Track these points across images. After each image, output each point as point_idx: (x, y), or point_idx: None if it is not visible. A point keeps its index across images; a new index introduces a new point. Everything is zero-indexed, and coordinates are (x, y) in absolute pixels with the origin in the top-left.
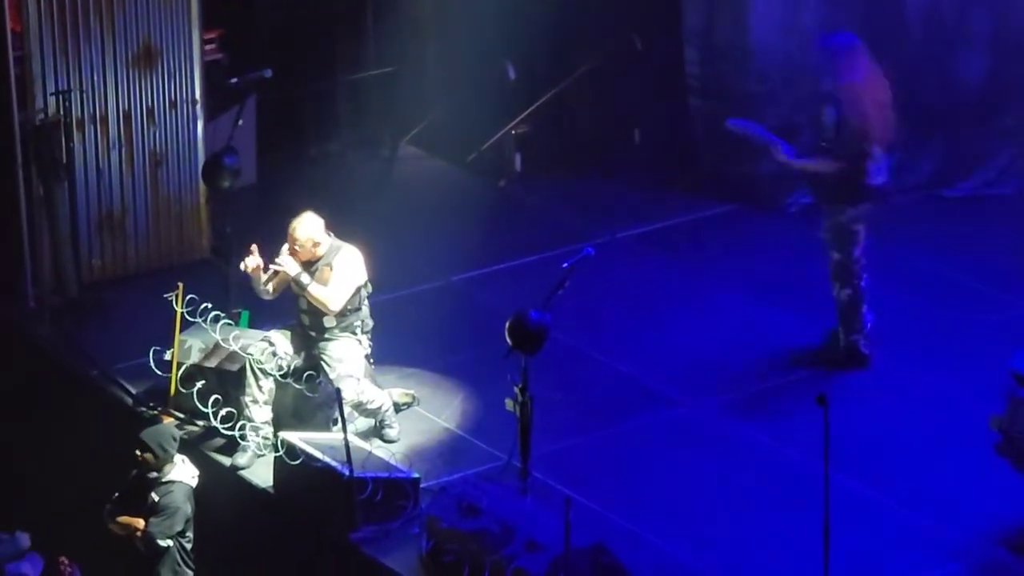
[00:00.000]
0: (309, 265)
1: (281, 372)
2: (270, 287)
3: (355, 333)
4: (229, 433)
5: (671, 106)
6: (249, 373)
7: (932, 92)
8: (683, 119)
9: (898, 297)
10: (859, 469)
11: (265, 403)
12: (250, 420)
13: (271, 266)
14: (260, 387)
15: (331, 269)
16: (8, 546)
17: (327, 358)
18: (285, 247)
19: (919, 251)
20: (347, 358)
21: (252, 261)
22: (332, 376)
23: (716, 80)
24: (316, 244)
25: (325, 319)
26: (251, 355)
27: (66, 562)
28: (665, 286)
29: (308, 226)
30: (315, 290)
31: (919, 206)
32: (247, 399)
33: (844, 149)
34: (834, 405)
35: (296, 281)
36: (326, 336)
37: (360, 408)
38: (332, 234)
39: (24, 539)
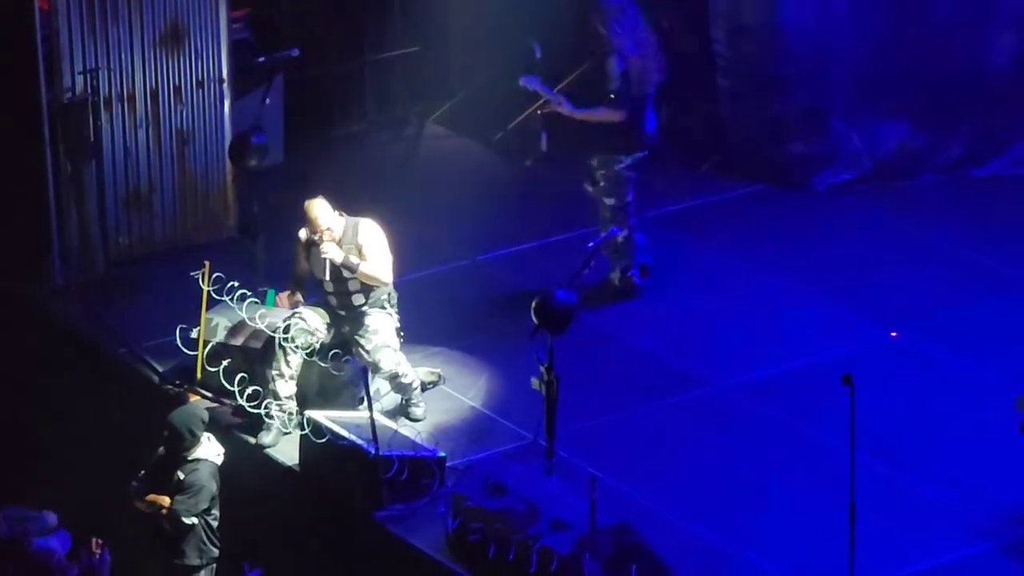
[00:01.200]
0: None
1: (308, 350)
2: (299, 296)
3: (384, 307)
4: (255, 411)
5: (699, 86)
6: (277, 347)
7: (959, 72)
8: (711, 99)
9: (924, 277)
10: (885, 449)
11: (291, 378)
12: (275, 394)
13: (321, 254)
14: (288, 362)
15: (362, 246)
16: (35, 523)
17: (361, 332)
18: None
19: (946, 231)
20: (382, 329)
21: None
22: (369, 348)
23: (744, 60)
24: (330, 228)
25: (354, 297)
26: (280, 329)
27: (99, 542)
28: (692, 266)
29: (324, 209)
30: (366, 268)
31: (946, 186)
32: (273, 372)
33: (628, 97)
34: (860, 385)
35: (345, 266)
36: (357, 314)
37: (395, 380)
38: (343, 213)
39: (51, 517)
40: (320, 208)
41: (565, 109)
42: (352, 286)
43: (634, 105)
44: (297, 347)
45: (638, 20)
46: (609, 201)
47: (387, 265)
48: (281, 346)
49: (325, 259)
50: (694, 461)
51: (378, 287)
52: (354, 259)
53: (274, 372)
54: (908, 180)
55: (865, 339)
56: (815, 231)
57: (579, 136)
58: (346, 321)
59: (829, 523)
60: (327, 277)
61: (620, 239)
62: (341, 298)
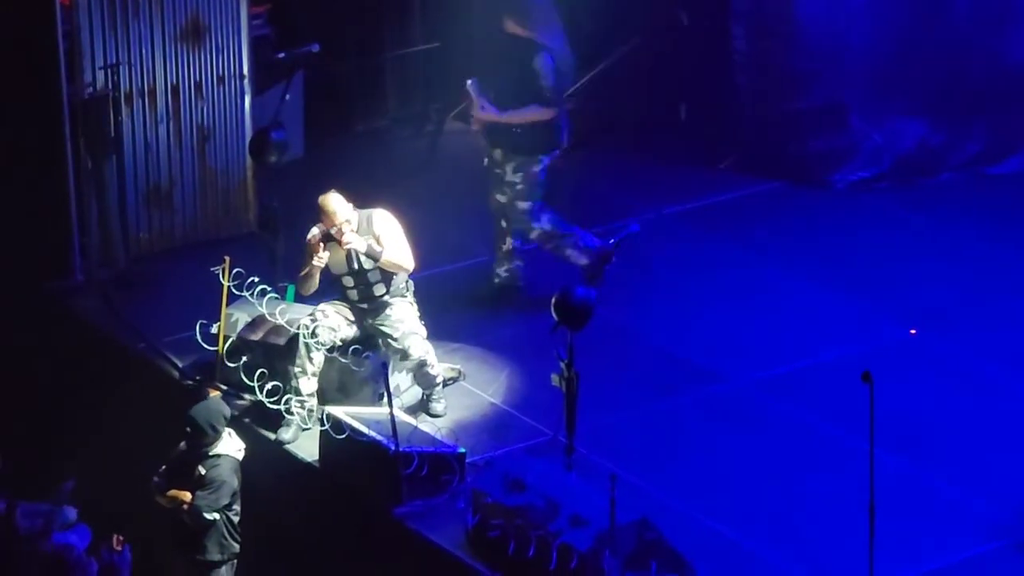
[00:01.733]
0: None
1: (329, 346)
2: (315, 282)
3: (405, 295)
4: (275, 407)
5: (717, 82)
6: (301, 344)
7: (978, 69)
8: (729, 95)
9: (943, 274)
10: (904, 447)
11: (313, 375)
12: (297, 392)
13: (345, 245)
14: (311, 359)
15: (380, 235)
16: (55, 518)
17: (387, 323)
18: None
19: (964, 229)
20: (407, 318)
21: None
22: (397, 336)
23: (763, 57)
24: (347, 220)
25: (375, 288)
26: (305, 326)
27: (120, 539)
28: (710, 263)
29: (340, 202)
30: (389, 255)
31: (964, 184)
32: (296, 370)
33: (556, 96)
34: (879, 382)
35: (369, 254)
36: (379, 305)
37: (421, 369)
38: (354, 206)
39: (71, 512)
40: (337, 201)
41: (491, 114)
42: (372, 277)
43: (559, 104)
44: (320, 344)
45: (556, 16)
46: (523, 205)
47: (406, 251)
48: (305, 344)
49: (349, 249)
50: (714, 458)
51: (397, 275)
52: (376, 247)
53: (297, 370)
54: (927, 177)
55: (884, 336)
56: (834, 228)
57: (493, 142)
58: (368, 314)
59: (848, 520)
60: (346, 271)
61: (540, 234)
62: (362, 290)
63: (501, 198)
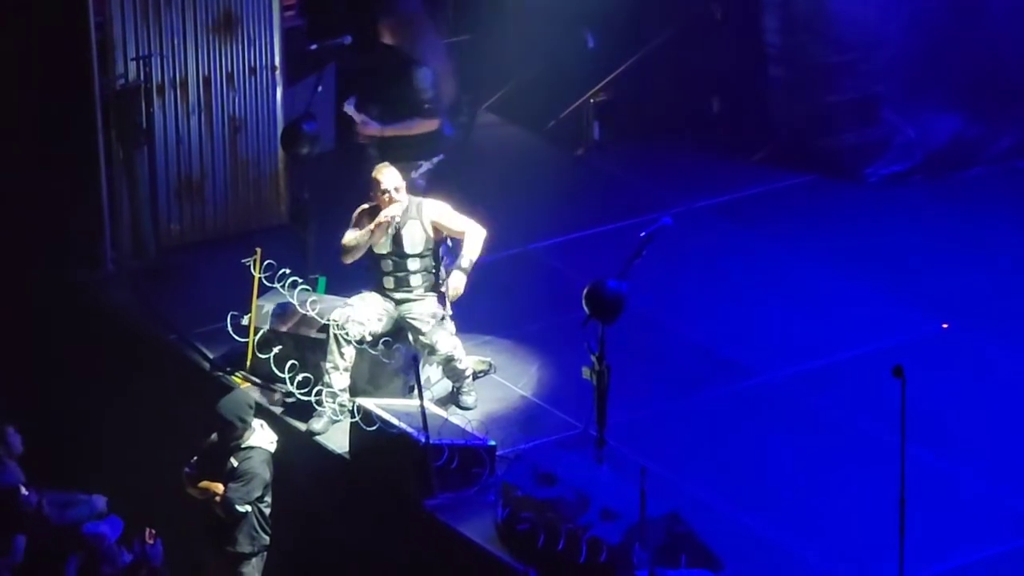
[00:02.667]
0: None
1: (359, 339)
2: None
3: (439, 291)
4: (305, 398)
5: (750, 75)
6: (332, 339)
7: (1012, 63)
8: (762, 89)
9: (976, 269)
10: (936, 441)
11: (345, 370)
12: (329, 386)
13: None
14: (342, 354)
15: (436, 221)
16: (85, 508)
17: (417, 316)
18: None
19: (998, 223)
20: (438, 312)
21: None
22: (426, 330)
23: (796, 50)
24: (398, 189)
25: (412, 278)
26: (336, 322)
27: (152, 532)
28: (743, 256)
29: (392, 174)
30: (470, 247)
31: (997, 178)
32: (328, 365)
33: (440, 105)
34: (910, 377)
35: (464, 272)
36: (412, 296)
37: (449, 364)
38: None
39: (101, 501)
40: (391, 171)
41: (374, 129)
42: (412, 265)
43: (443, 111)
44: (350, 338)
45: (430, 28)
46: None
47: (471, 221)
48: (336, 338)
49: (388, 222)
50: (744, 452)
51: (434, 271)
52: (464, 262)
53: (329, 365)
54: (959, 171)
55: (916, 331)
56: (866, 222)
57: (380, 154)
58: (400, 305)
59: (879, 515)
60: (389, 251)
61: None
62: (399, 278)
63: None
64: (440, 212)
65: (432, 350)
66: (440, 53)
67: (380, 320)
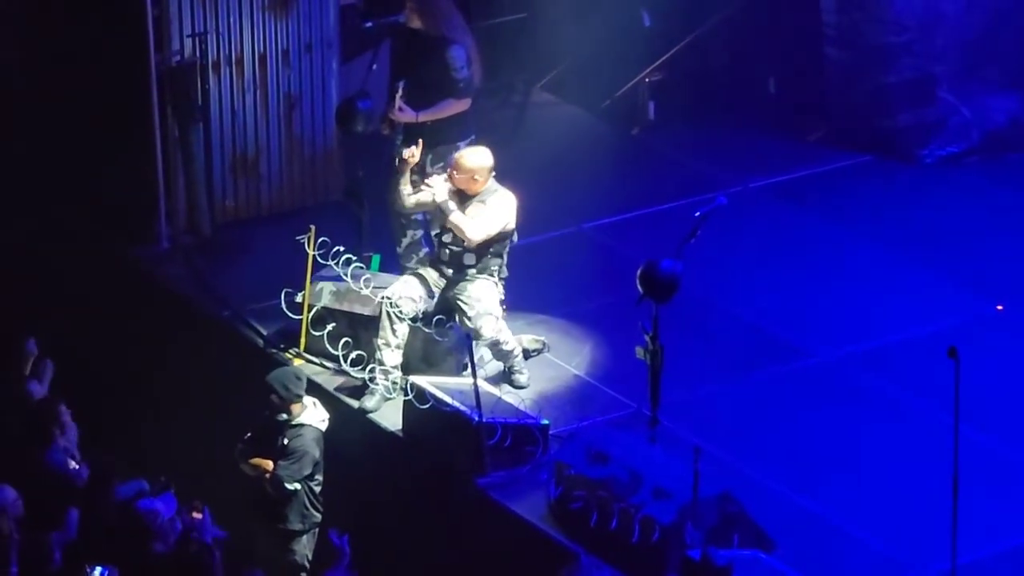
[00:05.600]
0: (463, 197)
1: (412, 317)
2: (411, 198)
3: (492, 276)
4: (359, 376)
5: (807, 56)
6: (384, 317)
7: None
8: (818, 68)
9: None
10: (989, 422)
11: (397, 347)
12: (381, 364)
13: (423, 185)
14: (395, 331)
15: (483, 205)
16: (129, 488)
17: (465, 298)
18: (437, 175)
19: None
20: (485, 297)
21: (411, 152)
22: (471, 314)
23: (852, 30)
24: (475, 179)
25: (466, 256)
26: (388, 299)
27: (199, 505)
28: (797, 237)
29: (476, 158)
30: (456, 218)
31: None
32: (380, 342)
33: (471, 86)
34: (964, 358)
35: (441, 207)
36: (465, 276)
37: (496, 348)
38: (495, 177)
39: (142, 486)
40: (478, 155)
41: (408, 116)
42: (468, 245)
43: (473, 93)
44: (403, 315)
45: (456, 10)
46: None
47: (480, 227)
48: (389, 316)
49: (428, 190)
50: (797, 432)
51: (490, 254)
52: (451, 204)
53: (381, 342)
54: (1016, 152)
55: (970, 312)
56: (922, 203)
57: (407, 141)
58: (451, 285)
59: (931, 496)
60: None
61: None
62: (453, 253)
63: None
64: (493, 201)
65: (476, 334)
66: (468, 34)
67: (432, 297)
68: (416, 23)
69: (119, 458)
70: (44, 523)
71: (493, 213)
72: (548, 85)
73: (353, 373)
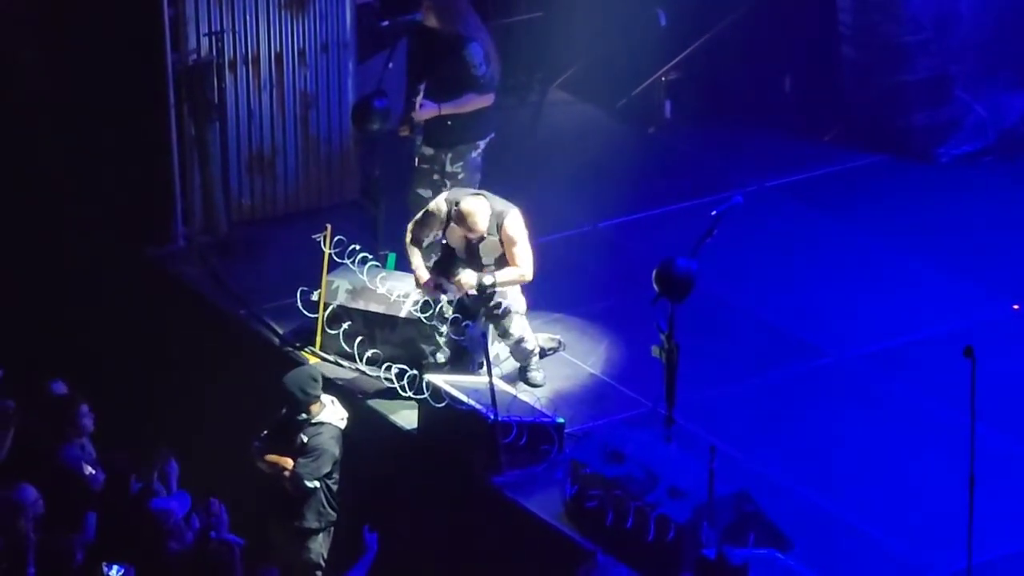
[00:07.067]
0: (474, 244)
1: (428, 314)
2: (442, 281)
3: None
4: (374, 374)
5: (823, 55)
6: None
7: None
8: (834, 67)
9: None
10: (1005, 422)
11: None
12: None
13: (451, 284)
14: (441, 333)
15: (502, 243)
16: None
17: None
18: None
19: None
20: (510, 293)
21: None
22: (498, 312)
23: (869, 29)
24: (477, 223)
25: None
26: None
27: (217, 502)
28: (813, 236)
29: (483, 215)
30: (504, 277)
31: None
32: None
33: (492, 82)
34: (981, 358)
35: (487, 287)
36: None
37: (518, 345)
38: (485, 193)
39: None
40: (482, 212)
41: (430, 111)
42: (487, 261)
43: (494, 89)
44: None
45: (471, 9)
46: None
47: (527, 264)
48: (426, 324)
49: (463, 290)
50: (813, 432)
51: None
52: (488, 278)
53: (431, 348)
54: None
55: (987, 312)
56: (938, 202)
57: (427, 139)
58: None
59: (948, 496)
60: (464, 255)
61: None
62: (472, 267)
63: (424, 193)
64: (512, 236)
65: (504, 332)
66: (484, 31)
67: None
68: (432, 22)
69: (133, 457)
70: (62, 523)
71: (522, 243)
72: (564, 84)
73: (369, 372)
